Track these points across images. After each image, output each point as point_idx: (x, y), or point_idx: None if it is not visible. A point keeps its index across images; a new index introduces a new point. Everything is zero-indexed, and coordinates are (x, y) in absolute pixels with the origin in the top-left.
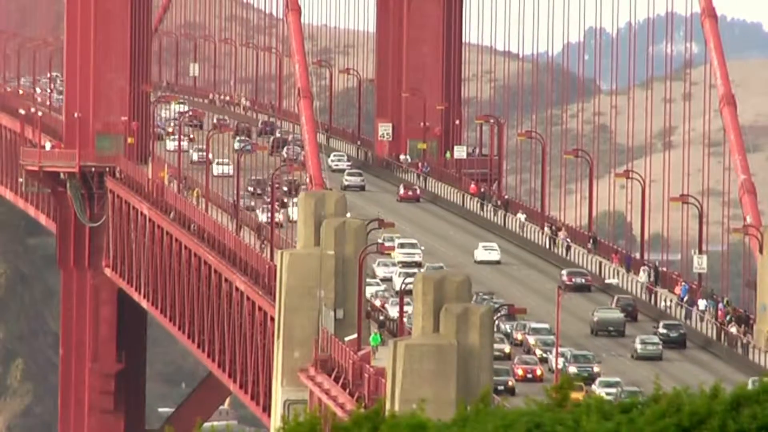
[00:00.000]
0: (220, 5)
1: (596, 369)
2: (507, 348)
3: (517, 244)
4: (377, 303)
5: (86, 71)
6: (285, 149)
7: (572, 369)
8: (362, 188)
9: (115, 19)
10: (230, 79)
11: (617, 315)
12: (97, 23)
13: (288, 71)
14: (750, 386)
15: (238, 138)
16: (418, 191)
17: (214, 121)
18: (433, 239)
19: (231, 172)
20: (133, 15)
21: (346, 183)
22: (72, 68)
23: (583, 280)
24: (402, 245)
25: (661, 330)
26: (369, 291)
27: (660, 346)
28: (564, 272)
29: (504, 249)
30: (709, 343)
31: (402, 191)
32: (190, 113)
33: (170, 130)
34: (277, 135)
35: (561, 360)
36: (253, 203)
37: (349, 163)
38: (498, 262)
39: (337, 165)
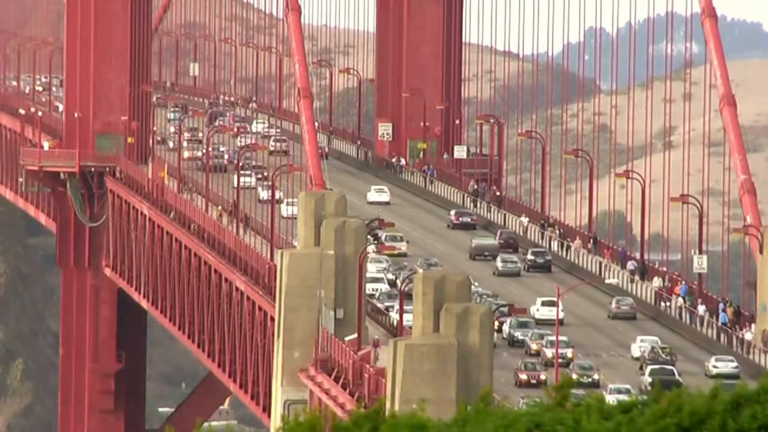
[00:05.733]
0: (220, 5)
1: None
2: None
3: (407, 189)
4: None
5: (86, 71)
6: (218, 120)
7: None
8: (286, 153)
9: (115, 19)
10: (230, 79)
11: (492, 241)
12: (97, 23)
13: (288, 71)
14: (613, 305)
15: (172, 109)
16: (327, 150)
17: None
18: (333, 185)
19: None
20: (133, 15)
21: (272, 148)
22: (72, 68)
23: (469, 219)
24: None
25: (529, 256)
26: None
27: (518, 265)
28: (452, 212)
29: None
30: (573, 267)
31: None
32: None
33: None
34: (214, 109)
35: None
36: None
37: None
38: (387, 203)
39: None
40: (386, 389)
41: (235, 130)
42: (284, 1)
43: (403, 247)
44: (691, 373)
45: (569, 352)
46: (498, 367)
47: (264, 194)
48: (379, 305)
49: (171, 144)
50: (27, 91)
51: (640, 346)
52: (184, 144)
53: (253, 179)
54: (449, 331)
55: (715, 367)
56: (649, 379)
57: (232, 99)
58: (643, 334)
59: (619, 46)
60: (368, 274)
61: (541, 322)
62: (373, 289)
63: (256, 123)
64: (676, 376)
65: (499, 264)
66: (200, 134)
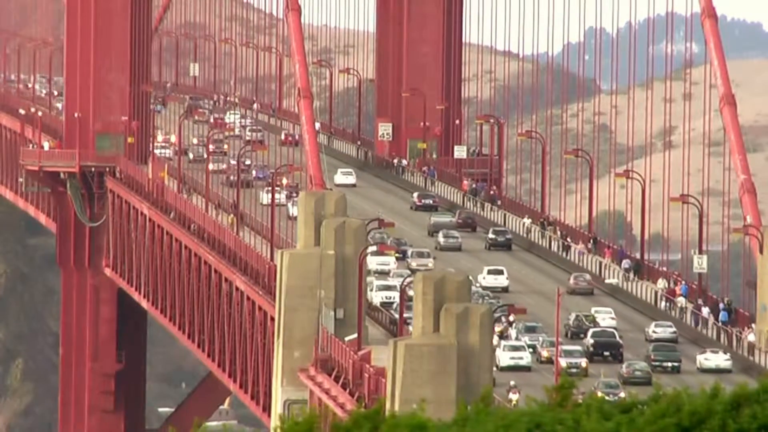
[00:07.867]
0: (220, 5)
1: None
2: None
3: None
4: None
5: (86, 71)
6: (195, 115)
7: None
8: (261, 142)
9: (115, 19)
10: (230, 79)
11: (449, 219)
12: (97, 23)
13: (288, 71)
14: (571, 281)
15: (152, 102)
16: (296, 138)
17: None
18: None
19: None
20: (133, 15)
21: (248, 138)
22: (72, 68)
23: (431, 201)
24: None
25: (491, 235)
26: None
27: (459, 240)
28: (415, 194)
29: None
30: (532, 245)
31: (283, 137)
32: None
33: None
34: (190, 102)
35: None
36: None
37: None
38: (354, 185)
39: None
40: (386, 389)
41: (212, 120)
42: (284, 1)
43: (429, 263)
44: (633, 339)
45: (583, 362)
46: (526, 385)
47: (293, 210)
48: (397, 316)
49: (191, 155)
50: (41, 93)
51: (570, 315)
52: (204, 156)
53: (283, 196)
54: (449, 331)
55: (654, 332)
56: (592, 341)
57: (231, 99)
58: (598, 306)
59: (619, 46)
60: (384, 282)
61: (486, 289)
62: (386, 297)
63: (230, 114)
64: (617, 339)
65: (441, 239)
66: (225, 146)
